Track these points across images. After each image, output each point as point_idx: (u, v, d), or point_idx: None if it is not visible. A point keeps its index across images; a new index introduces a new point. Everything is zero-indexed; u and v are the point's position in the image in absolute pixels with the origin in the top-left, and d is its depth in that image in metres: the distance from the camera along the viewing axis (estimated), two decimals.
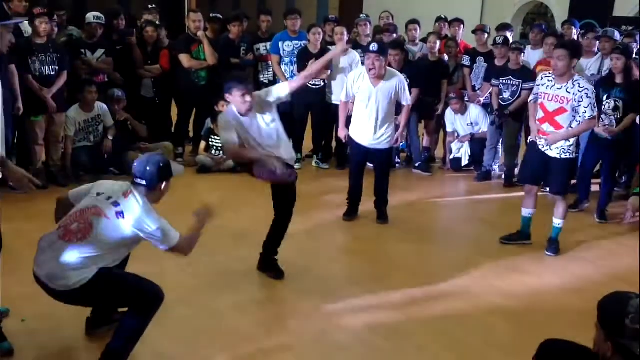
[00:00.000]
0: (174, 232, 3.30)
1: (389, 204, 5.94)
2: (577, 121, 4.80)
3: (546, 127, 4.92)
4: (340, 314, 3.97)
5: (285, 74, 7.58)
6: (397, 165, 7.91)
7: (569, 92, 4.74)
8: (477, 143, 7.58)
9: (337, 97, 7.20)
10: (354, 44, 7.72)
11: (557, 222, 5.15)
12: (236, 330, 3.74)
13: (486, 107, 7.53)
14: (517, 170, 7.33)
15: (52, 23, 6.36)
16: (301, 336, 3.69)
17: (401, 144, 8.09)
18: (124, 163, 6.72)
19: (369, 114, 5.51)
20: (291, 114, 7.63)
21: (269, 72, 7.77)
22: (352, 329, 3.79)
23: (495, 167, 7.69)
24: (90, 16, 6.90)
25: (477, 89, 7.69)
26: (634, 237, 5.34)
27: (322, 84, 7.41)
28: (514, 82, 6.95)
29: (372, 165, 6.02)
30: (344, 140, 5.91)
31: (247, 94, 4.07)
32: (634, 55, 6.82)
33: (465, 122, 7.60)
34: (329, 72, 7.33)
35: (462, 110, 7.54)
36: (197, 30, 7.33)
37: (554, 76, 4.86)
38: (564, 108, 4.77)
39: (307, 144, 7.88)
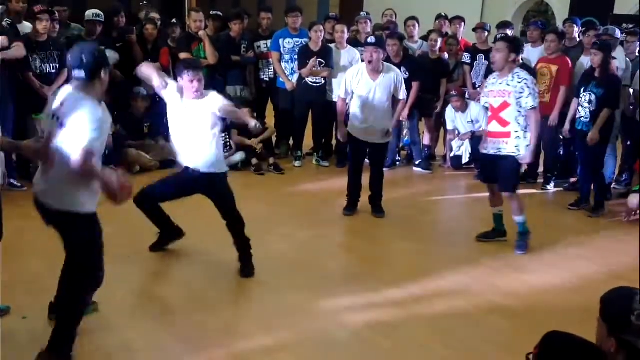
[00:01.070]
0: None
1: (390, 201, 5.95)
2: (523, 116, 4.81)
3: (494, 125, 4.93)
4: (339, 312, 3.97)
5: (286, 71, 7.58)
6: (397, 163, 7.92)
7: (509, 85, 4.79)
8: (477, 141, 7.56)
9: (335, 94, 7.22)
10: (354, 42, 7.72)
11: (518, 218, 5.09)
12: (235, 327, 3.75)
13: None
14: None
15: (53, 21, 6.35)
16: (300, 334, 3.68)
17: (405, 140, 8.07)
18: (124, 160, 6.74)
19: (369, 109, 5.55)
20: (292, 112, 7.65)
21: (269, 69, 7.77)
22: (352, 327, 3.79)
23: None
24: (90, 13, 6.90)
25: (477, 86, 7.68)
26: (634, 235, 5.34)
27: (323, 81, 7.41)
28: None
29: (367, 161, 6.04)
30: (342, 140, 5.93)
31: (195, 81, 4.23)
32: (635, 54, 6.85)
33: (466, 119, 7.59)
34: (331, 69, 7.34)
35: (463, 108, 7.53)
36: (198, 29, 7.33)
37: (497, 74, 4.93)
38: (507, 102, 4.80)
39: (308, 141, 7.89)
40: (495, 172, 5.02)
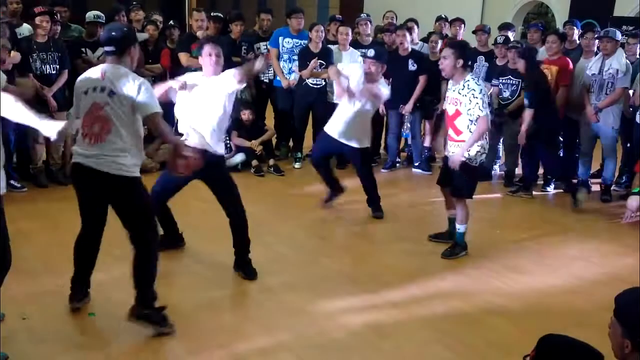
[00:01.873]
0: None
1: (390, 202, 5.96)
2: (475, 124, 4.67)
3: (450, 132, 4.86)
4: (339, 313, 3.97)
5: (283, 70, 7.58)
6: (397, 164, 7.92)
7: (460, 94, 4.69)
8: None
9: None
10: (355, 44, 7.72)
11: (459, 227, 4.95)
12: (235, 328, 3.75)
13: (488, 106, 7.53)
14: (517, 170, 7.37)
15: (53, 22, 6.35)
16: (300, 335, 3.69)
17: (405, 134, 8.05)
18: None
19: (350, 109, 5.61)
20: (290, 113, 7.65)
21: (269, 71, 7.77)
22: (351, 327, 3.79)
23: (496, 167, 7.70)
24: (91, 15, 6.90)
25: None
26: (634, 237, 5.34)
27: (323, 83, 7.41)
28: (514, 82, 6.96)
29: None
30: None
31: (214, 54, 4.23)
32: (635, 56, 6.85)
33: None
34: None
35: None
36: (199, 29, 7.32)
37: (452, 81, 4.83)
38: (459, 110, 4.71)
39: (308, 143, 7.88)
40: (450, 177, 4.94)
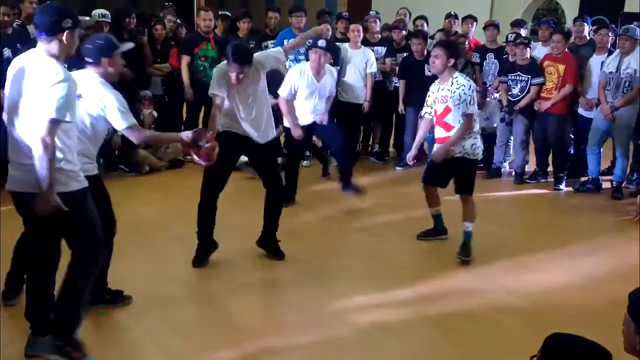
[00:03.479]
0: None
1: (400, 199, 5.93)
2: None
3: (438, 131, 4.83)
4: (347, 311, 3.96)
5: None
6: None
7: (449, 90, 4.68)
8: (487, 140, 7.51)
9: (347, 94, 7.25)
10: (363, 41, 7.68)
11: (468, 225, 4.88)
12: (243, 327, 3.74)
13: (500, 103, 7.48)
14: (527, 168, 7.32)
15: None
16: (308, 333, 3.68)
17: (429, 137, 7.98)
18: (133, 161, 6.76)
19: (309, 105, 5.81)
20: None
21: None
22: (360, 326, 3.77)
23: (506, 165, 7.65)
24: (96, 14, 6.91)
25: (488, 85, 7.65)
26: None
27: None
28: (523, 78, 6.91)
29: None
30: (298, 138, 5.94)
31: (235, 74, 4.18)
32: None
33: (483, 117, 7.50)
34: (338, 68, 7.31)
35: (481, 105, 7.45)
36: (208, 28, 7.32)
37: (439, 80, 4.83)
38: (448, 107, 4.70)
39: None
40: (442, 175, 4.89)
